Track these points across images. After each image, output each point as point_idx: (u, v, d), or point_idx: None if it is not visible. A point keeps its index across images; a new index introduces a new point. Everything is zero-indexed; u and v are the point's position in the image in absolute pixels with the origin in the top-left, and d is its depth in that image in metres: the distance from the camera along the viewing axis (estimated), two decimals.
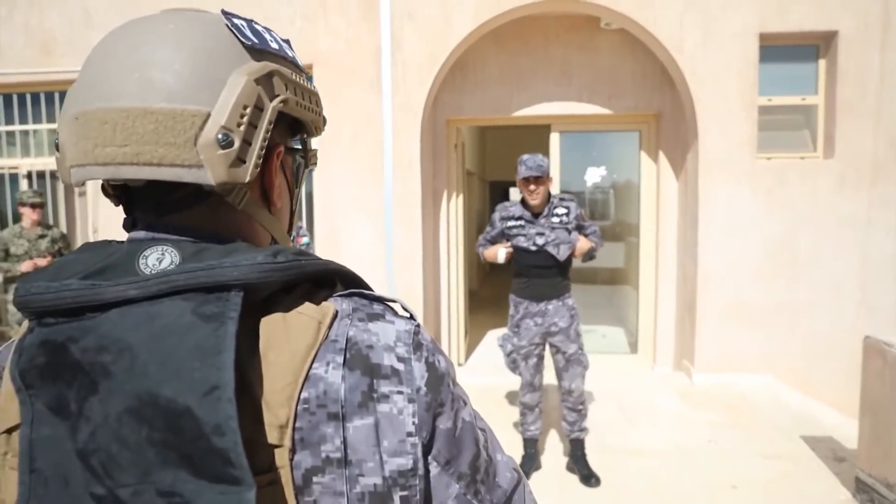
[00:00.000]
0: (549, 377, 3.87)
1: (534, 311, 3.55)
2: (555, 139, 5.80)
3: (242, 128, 0.58)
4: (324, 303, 0.59)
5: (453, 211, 6.06)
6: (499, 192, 13.78)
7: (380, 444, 0.55)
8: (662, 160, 5.57)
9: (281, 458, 0.52)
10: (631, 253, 6.16)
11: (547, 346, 3.64)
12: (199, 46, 0.58)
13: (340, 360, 0.55)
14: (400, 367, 0.58)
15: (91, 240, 5.58)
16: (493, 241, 3.70)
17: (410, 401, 0.57)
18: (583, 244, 3.54)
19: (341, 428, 0.54)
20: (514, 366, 3.65)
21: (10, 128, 6.03)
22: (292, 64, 0.68)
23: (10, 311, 5.08)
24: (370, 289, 0.64)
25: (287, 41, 0.71)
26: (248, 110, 0.58)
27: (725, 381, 4.98)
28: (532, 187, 3.46)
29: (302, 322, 0.56)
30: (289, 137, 0.71)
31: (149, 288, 0.53)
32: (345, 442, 0.54)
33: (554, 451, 3.93)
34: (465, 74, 5.67)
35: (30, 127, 5.99)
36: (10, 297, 5.04)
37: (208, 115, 0.56)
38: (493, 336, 6.94)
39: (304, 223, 5.39)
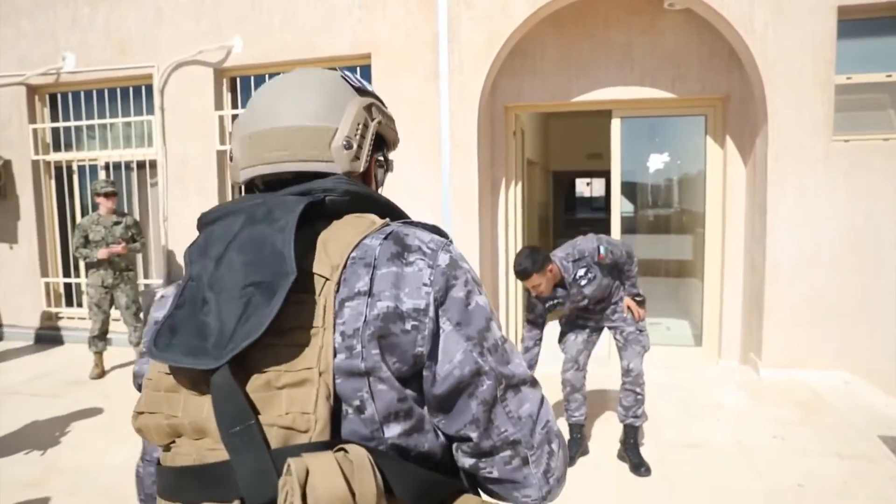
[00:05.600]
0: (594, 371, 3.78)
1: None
2: (616, 125, 5.63)
3: (358, 137, 0.88)
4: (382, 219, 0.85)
5: (512, 200, 6.00)
6: (564, 184, 13.39)
7: (402, 289, 0.76)
8: (730, 145, 5.31)
9: (328, 288, 0.75)
10: (698, 245, 5.91)
11: (605, 330, 3.67)
12: (326, 87, 0.90)
13: (382, 236, 0.80)
14: (427, 250, 0.80)
15: (161, 226, 5.85)
16: (536, 326, 3.52)
17: (430, 267, 0.78)
18: (635, 311, 3.52)
19: (371, 272, 0.76)
20: (562, 336, 3.68)
21: (90, 122, 6.39)
22: (380, 100, 0.98)
23: (89, 294, 5.37)
24: None
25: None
26: (360, 126, 0.89)
27: (796, 377, 4.71)
28: (533, 291, 3.29)
29: (363, 220, 0.83)
30: (378, 152, 0.98)
31: (266, 197, 0.82)
32: (372, 280, 0.76)
33: (609, 439, 3.83)
34: (524, 60, 5.58)
35: (107, 121, 6.34)
36: (91, 280, 5.33)
37: (336, 129, 0.87)
38: (552, 327, 6.83)
39: None
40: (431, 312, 0.76)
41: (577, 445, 3.62)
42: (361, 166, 0.88)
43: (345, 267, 0.76)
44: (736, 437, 3.86)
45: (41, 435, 4.08)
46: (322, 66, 5.75)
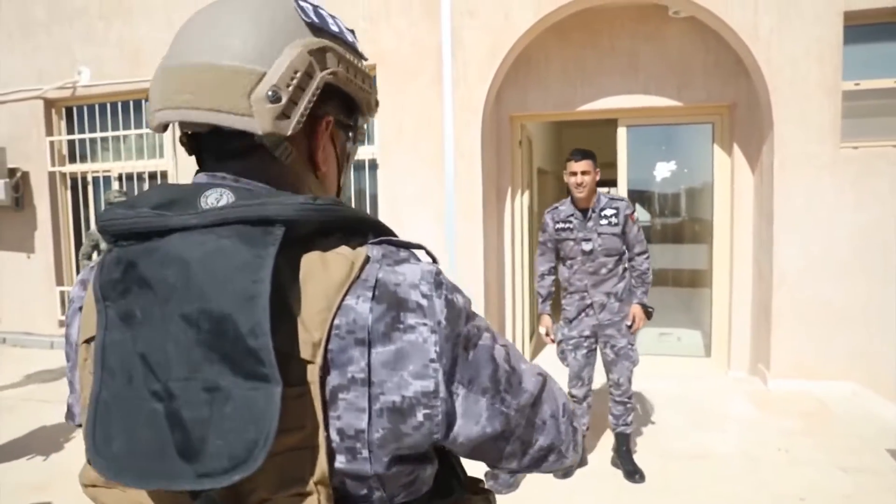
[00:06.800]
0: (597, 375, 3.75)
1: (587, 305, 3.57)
2: (622, 133, 5.61)
3: (291, 88, 0.67)
4: (357, 248, 0.66)
5: (518, 209, 5.99)
6: None
7: (405, 368, 0.62)
8: (737, 153, 5.26)
9: (312, 373, 0.60)
10: (708, 255, 5.85)
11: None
12: (266, 17, 0.68)
13: (370, 294, 0.63)
14: (424, 302, 0.64)
15: None
16: (547, 250, 3.69)
17: (433, 332, 0.63)
18: (638, 321, 3.49)
19: (367, 353, 0.61)
20: (562, 356, 3.64)
21: (104, 134, 6.52)
22: (350, 47, 0.76)
23: None
24: (397, 237, 0.72)
25: (352, 30, 0.79)
26: (299, 75, 0.67)
27: (804, 388, 4.63)
28: (578, 178, 3.42)
29: (338, 260, 0.63)
30: (343, 114, 0.78)
31: (206, 217, 0.61)
32: (369, 365, 0.61)
33: (606, 450, 3.79)
34: (529, 70, 5.59)
35: (121, 133, 6.46)
36: None
37: (263, 75, 0.66)
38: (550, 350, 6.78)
39: None
40: (443, 392, 0.64)
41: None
42: (290, 129, 0.67)
43: (328, 340, 0.61)
44: (741, 448, 3.80)
45: (49, 440, 4.14)
46: None
